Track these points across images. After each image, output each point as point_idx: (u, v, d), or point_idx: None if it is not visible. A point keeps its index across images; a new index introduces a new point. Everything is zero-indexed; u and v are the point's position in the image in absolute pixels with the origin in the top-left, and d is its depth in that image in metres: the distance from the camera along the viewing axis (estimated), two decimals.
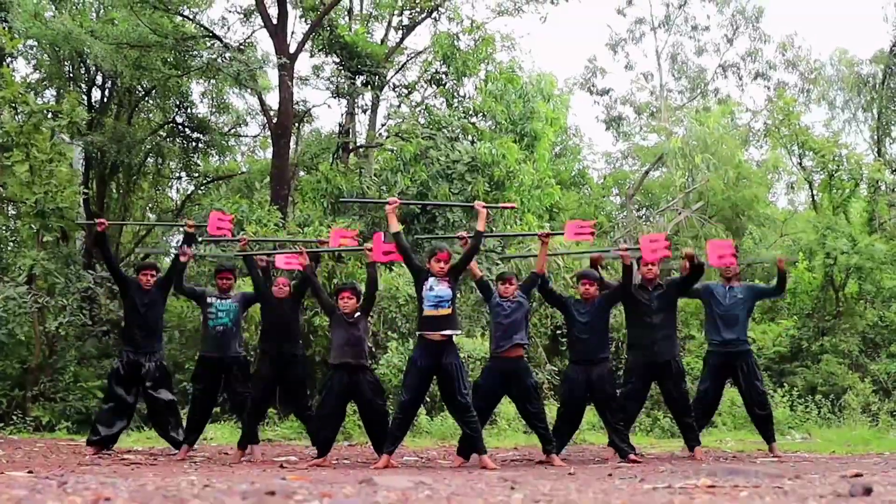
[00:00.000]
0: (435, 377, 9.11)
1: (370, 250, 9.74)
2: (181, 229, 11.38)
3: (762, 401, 10.50)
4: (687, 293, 10.70)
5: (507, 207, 12.39)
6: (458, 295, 15.76)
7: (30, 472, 7.01)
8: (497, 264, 16.54)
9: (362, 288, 9.84)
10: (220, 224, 10.98)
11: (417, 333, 9.16)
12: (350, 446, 12.29)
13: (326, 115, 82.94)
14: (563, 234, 10.67)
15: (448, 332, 8.85)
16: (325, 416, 9.30)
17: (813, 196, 21.96)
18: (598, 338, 9.77)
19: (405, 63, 23.40)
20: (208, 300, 10.37)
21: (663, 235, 10.76)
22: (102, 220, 11.10)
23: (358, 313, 9.34)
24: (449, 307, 8.87)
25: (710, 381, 10.57)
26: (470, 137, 19.85)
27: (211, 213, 11.43)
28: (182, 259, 10.65)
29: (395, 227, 9.25)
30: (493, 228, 18.80)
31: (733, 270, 10.55)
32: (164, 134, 22.16)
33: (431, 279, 8.91)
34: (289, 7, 20.15)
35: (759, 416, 10.47)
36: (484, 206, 9.34)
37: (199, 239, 12.93)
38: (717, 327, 10.45)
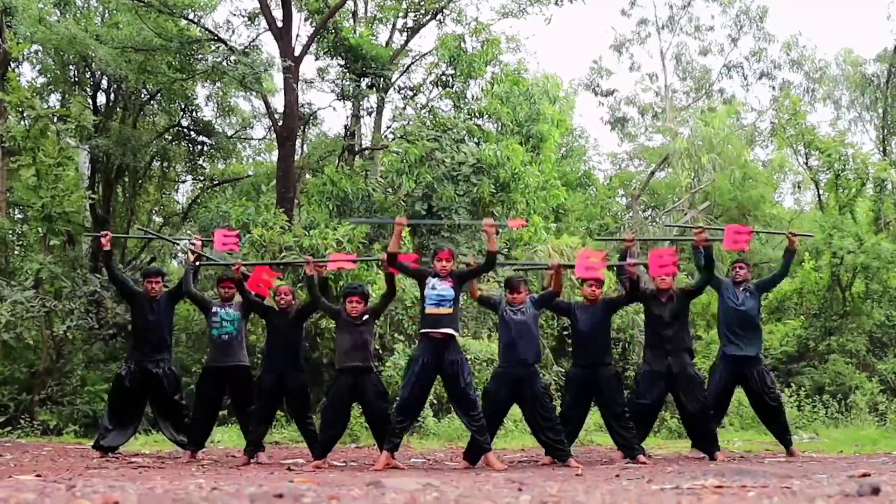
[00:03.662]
0: (438, 377, 9.11)
1: (383, 262, 9.69)
2: (185, 245, 11.19)
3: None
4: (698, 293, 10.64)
5: (518, 225, 12.09)
6: (463, 296, 15.81)
7: (38, 475, 7.02)
8: (502, 265, 16.54)
9: (370, 290, 9.83)
10: (225, 240, 10.90)
11: (420, 332, 9.15)
12: (357, 448, 12.29)
13: (332, 118, 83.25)
14: (573, 266, 10.54)
15: (448, 330, 8.84)
16: (329, 419, 9.29)
17: (819, 195, 21.95)
18: (601, 342, 9.73)
19: (410, 65, 23.43)
20: (213, 309, 10.31)
21: (672, 251, 10.66)
22: (107, 233, 10.97)
23: (366, 316, 9.33)
24: (450, 307, 8.85)
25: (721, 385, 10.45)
26: (475, 139, 19.85)
27: (216, 231, 11.30)
28: (191, 260, 10.61)
29: (395, 247, 9.23)
30: (499, 231, 18.82)
31: (743, 276, 10.46)
32: (170, 137, 22.20)
33: (434, 279, 8.93)
34: (293, 10, 20.17)
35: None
36: (492, 225, 9.21)
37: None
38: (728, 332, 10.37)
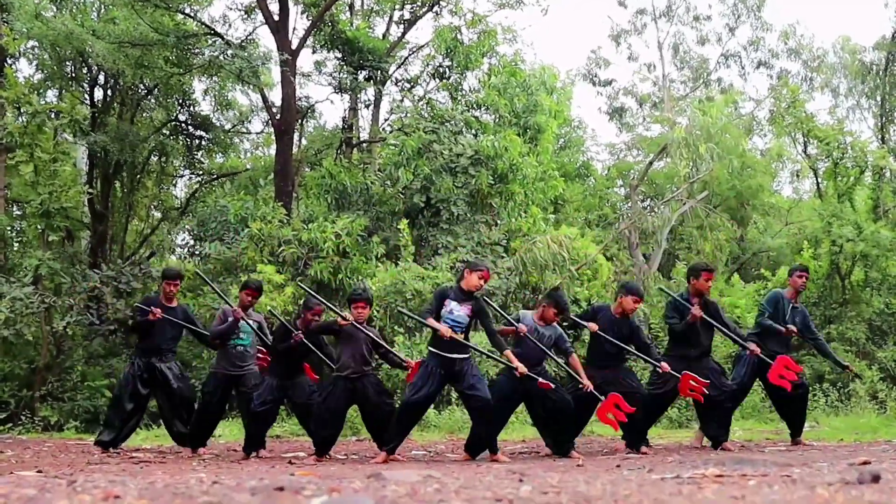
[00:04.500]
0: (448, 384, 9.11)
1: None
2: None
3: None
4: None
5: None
6: None
7: (39, 471, 7.02)
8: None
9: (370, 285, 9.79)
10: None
11: (430, 348, 8.91)
12: (358, 441, 12.30)
13: (329, 111, 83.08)
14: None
15: (460, 356, 8.78)
16: (325, 418, 9.24)
17: (818, 184, 21.94)
18: (620, 349, 9.64)
19: (407, 57, 23.43)
20: (230, 319, 10.20)
21: (796, 367, 10.32)
22: (157, 311, 10.40)
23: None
24: (462, 332, 8.78)
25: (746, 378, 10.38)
26: (473, 131, 19.84)
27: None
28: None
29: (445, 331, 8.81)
30: (499, 222, 18.82)
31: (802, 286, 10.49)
32: (168, 132, 22.19)
33: (453, 302, 8.77)
34: (290, 3, 20.17)
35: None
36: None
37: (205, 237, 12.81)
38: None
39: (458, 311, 8.75)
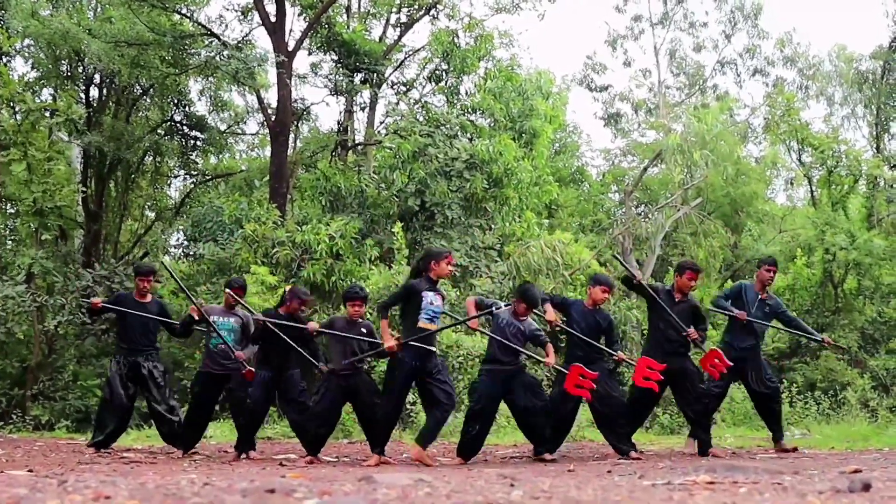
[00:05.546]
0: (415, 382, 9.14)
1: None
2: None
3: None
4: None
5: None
6: (458, 293, 15.81)
7: (30, 470, 7.01)
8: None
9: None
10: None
11: (407, 341, 8.79)
12: (350, 444, 12.29)
13: (325, 113, 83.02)
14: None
15: (434, 347, 8.93)
16: (320, 415, 9.24)
17: (812, 192, 21.98)
18: (592, 344, 9.67)
19: (403, 61, 23.43)
20: (212, 318, 10.20)
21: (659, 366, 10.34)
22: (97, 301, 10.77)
23: (360, 319, 9.34)
24: (438, 322, 8.95)
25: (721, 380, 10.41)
26: (468, 135, 19.85)
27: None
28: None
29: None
30: (493, 226, 18.84)
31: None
32: (163, 132, 22.16)
33: (430, 293, 8.81)
34: (287, 5, 20.18)
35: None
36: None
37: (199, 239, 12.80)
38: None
39: (437, 301, 8.87)
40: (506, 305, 9.53)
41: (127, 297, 10.69)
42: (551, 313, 9.57)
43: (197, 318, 10.17)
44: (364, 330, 9.28)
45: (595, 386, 9.03)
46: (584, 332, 9.52)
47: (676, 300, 9.90)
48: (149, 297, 10.69)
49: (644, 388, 9.56)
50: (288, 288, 10.52)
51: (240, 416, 10.10)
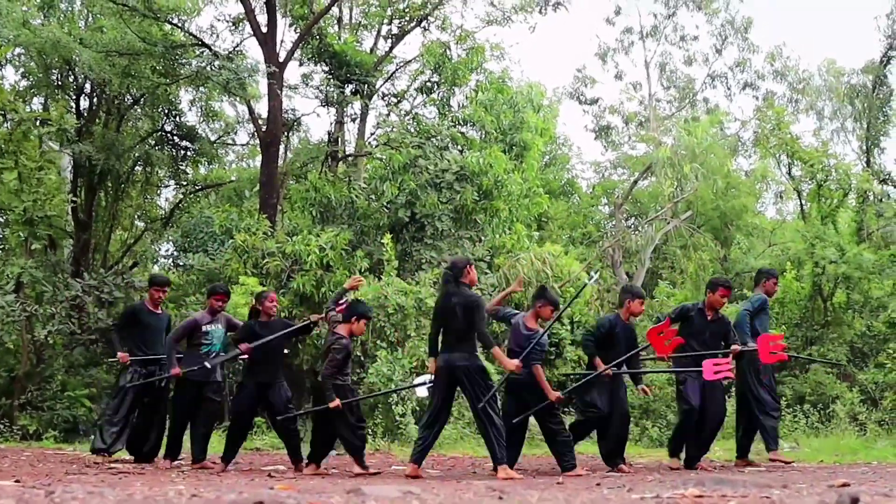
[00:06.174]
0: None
1: None
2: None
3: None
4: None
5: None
6: None
7: (17, 481, 6.98)
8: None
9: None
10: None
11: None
12: (339, 455, 12.26)
13: (315, 124, 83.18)
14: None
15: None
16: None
17: (801, 205, 22.03)
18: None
19: (394, 72, 23.44)
20: (203, 328, 10.15)
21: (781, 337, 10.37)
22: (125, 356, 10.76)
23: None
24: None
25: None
26: (459, 147, 19.87)
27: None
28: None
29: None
30: (483, 238, 18.85)
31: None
32: (153, 142, 22.09)
33: None
34: (278, 16, 20.18)
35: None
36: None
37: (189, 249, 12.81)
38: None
39: None
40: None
41: (141, 308, 10.85)
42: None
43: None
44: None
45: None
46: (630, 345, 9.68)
47: (709, 319, 9.91)
48: (160, 309, 10.92)
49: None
50: (254, 295, 10.61)
51: (207, 425, 10.11)
